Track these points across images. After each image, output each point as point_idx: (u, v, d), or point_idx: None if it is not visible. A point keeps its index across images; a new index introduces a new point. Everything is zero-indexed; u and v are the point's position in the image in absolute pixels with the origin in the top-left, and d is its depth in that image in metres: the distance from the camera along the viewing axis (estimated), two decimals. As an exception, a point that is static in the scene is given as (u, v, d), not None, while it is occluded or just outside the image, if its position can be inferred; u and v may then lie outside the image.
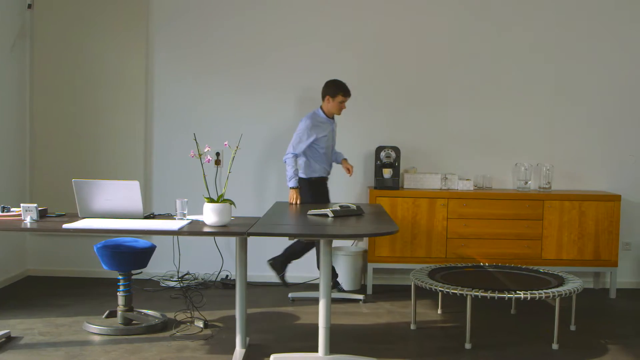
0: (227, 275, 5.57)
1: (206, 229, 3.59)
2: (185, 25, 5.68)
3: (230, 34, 5.68)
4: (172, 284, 5.44)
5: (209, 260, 5.55)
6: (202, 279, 5.58)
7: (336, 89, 5.02)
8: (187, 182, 5.32)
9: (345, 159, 5.23)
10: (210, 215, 3.60)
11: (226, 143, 3.84)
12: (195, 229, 3.63)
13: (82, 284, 5.47)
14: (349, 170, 5.16)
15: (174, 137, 5.62)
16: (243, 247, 3.74)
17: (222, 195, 3.63)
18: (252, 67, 5.70)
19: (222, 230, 3.61)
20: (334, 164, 5.27)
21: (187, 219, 3.86)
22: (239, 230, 3.53)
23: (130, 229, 3.60)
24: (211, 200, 3.61)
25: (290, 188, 4.94)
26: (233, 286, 3.81)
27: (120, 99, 5.70)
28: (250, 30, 5.68)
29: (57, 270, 5.73)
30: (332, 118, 5.13)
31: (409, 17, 5.69)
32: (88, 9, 5.66)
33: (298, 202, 4.90)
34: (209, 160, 3.66)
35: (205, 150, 3.65)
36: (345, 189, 5.65)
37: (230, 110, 5.69)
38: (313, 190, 5.08)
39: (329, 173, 5.23)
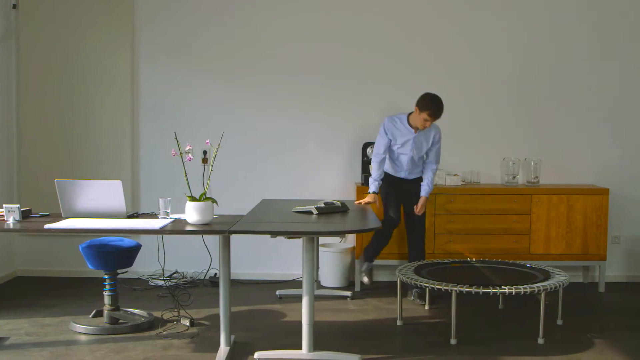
0: (215, 274, 5.56)
1: (188, 228, 3.59)
2: (172, 25, 5.66)
3: (216, 34, 5.66)
4: (160, 282, 5.43)
5: (197, 258, 5.52)
6: (191, 278, 5.58)
7: (425, 106, 4.71)
8: (175, 181, 5.25)
9: (426, 198, 4.90)
10: (192, 213, 3.60)
11: (207, 141, 3.82)
12: (177, 228, 3.62)
13: (70, 284, 5.47)
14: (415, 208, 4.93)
15: (161, 136, 5.60)
16: (226, 245, 3.73)
17: (204, 194, 3.63)
18: (239, 66, 5.68)
19: (204, 229, 3.61)
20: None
21: (170, 218, 3.85)
22: (220, 229, 3.53)
23: (112, 229, 3.61)
24: (193, 199, 3.61)
25: (368, 193, 4.85)
26: (221, 284, 3.81)
27: (106, 99, 5.68)
28: (237, 30, 5.66)
29: (46, 270, 5.72)
30: (417, 130, 4.85)
31: (394, 12, 5.68)
32: (73, 8, 5.64)
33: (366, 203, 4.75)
34: (190, 159, 3.65)
35: (187, 149, 3.65)
36: (332, 185, 5.65)
37: (217, 109, 5.68)
38: (391, 185, 4.94)
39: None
